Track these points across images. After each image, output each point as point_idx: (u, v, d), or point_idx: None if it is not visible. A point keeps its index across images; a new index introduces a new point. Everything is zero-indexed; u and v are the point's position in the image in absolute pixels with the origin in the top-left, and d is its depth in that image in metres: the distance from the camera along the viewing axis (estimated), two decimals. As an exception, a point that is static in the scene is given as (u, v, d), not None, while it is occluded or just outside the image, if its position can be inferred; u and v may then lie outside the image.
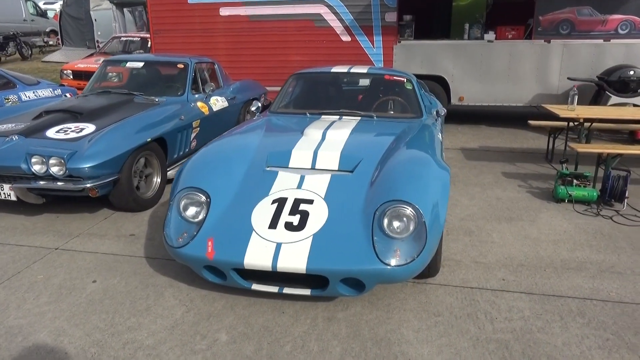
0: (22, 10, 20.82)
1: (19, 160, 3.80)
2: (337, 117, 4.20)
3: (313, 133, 3.64)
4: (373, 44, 7.77)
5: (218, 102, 5.78)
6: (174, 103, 5.10)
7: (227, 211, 2.89)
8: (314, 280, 2.70)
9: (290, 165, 3.30)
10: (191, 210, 2.95)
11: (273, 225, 2.75)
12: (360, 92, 4.68)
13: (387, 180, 2.95)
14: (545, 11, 7.22)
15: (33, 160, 3.79)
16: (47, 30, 21.27)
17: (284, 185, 3.05)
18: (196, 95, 5.52)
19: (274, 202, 2.90)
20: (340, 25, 7.77)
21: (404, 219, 2.70)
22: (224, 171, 3.16)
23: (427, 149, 3.44)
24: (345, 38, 7.83)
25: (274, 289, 2.75)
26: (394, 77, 4.51)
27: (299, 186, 3.02)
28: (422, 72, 7.71)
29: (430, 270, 3.06)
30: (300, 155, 3.33)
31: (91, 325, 2.73)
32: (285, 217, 2.79)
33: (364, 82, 4.69)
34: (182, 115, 4.94)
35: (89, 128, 4.19)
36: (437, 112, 4.40)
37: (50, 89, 7.05)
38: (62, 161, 3.73)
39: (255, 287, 2.77)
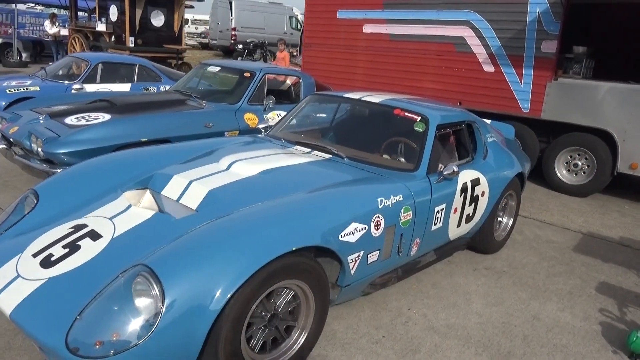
0: (285, 24, 24.66)
1: (24, 136, 4.19)
2: (309, 150, 3.36)
3: (223, 161, 2.96)
4: (521, 79, 6.13)
5: (279, 118, 5.38)
6: (218, 110, 4.95)
7: (32, 225, 2.53)
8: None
9: (163, 192, 2.73)
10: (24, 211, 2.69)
11: (38, 253, 2.27)
12: (360, 126, 3.64)
13: (192, 235, 2.14)
14: None
15: (32, 139, 4.13)
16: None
17: (108, 211, 2.52)
18: (257, 106, 5.26)
19: (72, 227, 2.42)
20: (484, 52, 6.37)
21: (147, 294, 1.90)
22: (82, 183, 2.79)
23: (317, 208, 2.39)
24: (488, 68, 6.39)
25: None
26: (404, 114, 3.34)
27: (115, 216, 2.46)
28: (580, 123, 5.75)
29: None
30: (176, 183, 2.73)
31: None
32: (56, 247, 2.28)
33: (374, 113, 3.63)
34: (209, 122, 4.73)
35: (104, 119, 4.36)
36: (442, 170, 3.06)
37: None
38: (42, 144, 3.95)
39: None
